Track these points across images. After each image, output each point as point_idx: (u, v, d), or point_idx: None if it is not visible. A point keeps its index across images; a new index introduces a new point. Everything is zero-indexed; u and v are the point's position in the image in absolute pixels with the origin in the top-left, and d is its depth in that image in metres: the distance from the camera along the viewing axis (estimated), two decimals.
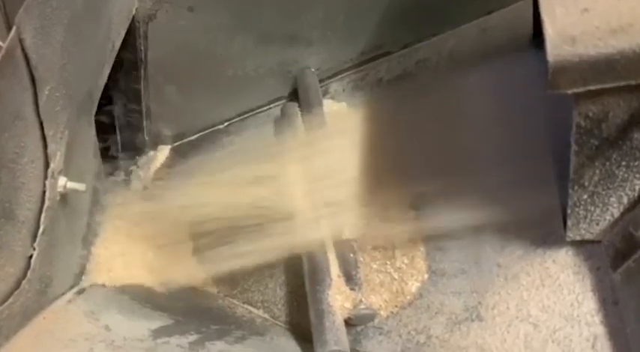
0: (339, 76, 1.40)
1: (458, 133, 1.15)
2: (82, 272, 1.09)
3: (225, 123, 1.40)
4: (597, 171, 0.85)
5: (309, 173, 1.19)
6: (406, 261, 1.08)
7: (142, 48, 1.18)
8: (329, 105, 1.35)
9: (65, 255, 1.03)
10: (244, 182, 1.21)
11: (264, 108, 1.40)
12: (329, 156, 1.20)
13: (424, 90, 1.25)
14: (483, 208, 1.02)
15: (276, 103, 1.40)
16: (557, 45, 0.73)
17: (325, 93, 1.38)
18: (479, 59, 1.24)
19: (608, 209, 0.89)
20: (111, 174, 1.28)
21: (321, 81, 1.38)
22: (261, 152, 1.25)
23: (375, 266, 1.10)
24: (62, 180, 0.95)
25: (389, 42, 1.36)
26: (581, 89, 0.75)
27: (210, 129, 1.40)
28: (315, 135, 1.26)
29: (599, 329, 0.89)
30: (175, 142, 1.40)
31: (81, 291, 1.06)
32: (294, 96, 1.38)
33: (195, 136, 1.40)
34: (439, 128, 1.17)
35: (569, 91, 0.76)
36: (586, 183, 0.87)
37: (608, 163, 0.84)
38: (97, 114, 1.13)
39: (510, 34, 1.25)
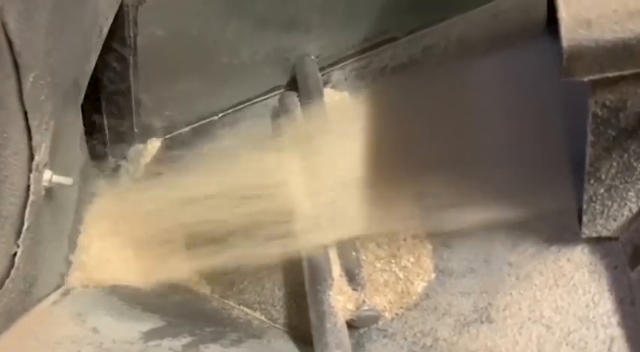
0: (341, 64, 1.40)
1: (467, 124, 1.16)
2: (67, 272, 1.10)
3: (220, 115, 1.40)
4: (615, 164, 0.86)
5: (308, 167, 1.20)
6: (412, 260, 1.09)
7: (131, 34, 1.18)
8: (330, 94, 1.35)
9: (50, 253, 1.03)
10: (240, 177, 1.21)
11: (261, 98, 1.41)
12: (330, 149, 1.21)
13: (431, 79, 1.26)
14: (494, 203, 1.02)
15: (274, 93, 1.40)
16: (573, 29, 0.74)
17: (326, 83, 1.38)
18: (489, 46, 1.25)
19: (626, 204, 0.90)
20: (98, 168, 1.28)
21: (321, 69, 1.38)
22: (257, 145, 1.25)
23: (378, 265, 1.10)
24: (47, 174, 0.96)
25: (394, 27, 1.37)
26: (597, 76, 0.76)
27: (203, 121, 1.40)
28: (315, 126, 1.26)
29: (616, 331, 0.89)
30: (166, 135, 1.40)
31: (67, 292, 1.06)
32: (293, 85, 1.38)
33: (188, 128, 1.40)
34: (447, 119, 1.18)
35: (585, 78, 0.76)
36: (603, 177, 0.87)
37: (626, 155, 0.84)
38: (83, 104, 1.13)
39: (523, 19, 1.26)
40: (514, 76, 1.17)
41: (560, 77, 0.76)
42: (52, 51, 0.92)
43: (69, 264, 1.10)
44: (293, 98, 1.34)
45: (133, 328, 1.01)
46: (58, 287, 1.06)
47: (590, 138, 0.84)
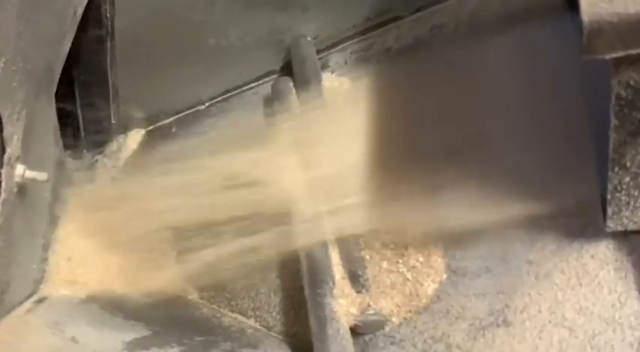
0: (341, 46, 1.42)
1: (479, 111, 1.18)
2: (41, 278, 1.12)
3: (207, 104, 1.43)
4: None
5: (306, 159, 1.22)
6: (421, 259, 1.11)
7: (108, 15, 1.20)
8: (328, 79, 1.37)
9: (23, 258, 1.06)
10: (230, 172, 1.23)
11: (253, 84, 1.42)
12: (329, 139, 1.23)
13: (440, 62, 1.27)
14: (510, 196, 1.05)
15: (267, 79, 1.42)
16: (593, 2, 0.76)
17: (324, 66, 1.40)
18: (504, 24, 1.25)
19: None
20: (73, 164, 1.30)
21: (318, 52, 1.39)
22: (249, 136, 1.27)
23: (384, 265, 1.13)
24: (20, 169, 0.98)
25: (399, 5, 1.38)
26: (620, 53, 0.77)
27: (189, 111, 1.43)
28: (312, 115, 1.28)
29: None
30: (149, 126, 1.42)
31: (42, 300, 1.09)
32: (288, 70, 1.40)
33: (172, 119, 1.43)
34: (457, 105, 1.20)
35: (607, 56, 0.78)
36: (628, 164, 0.89)
37: None
38: (55, 94, 1.15)
39: None
40: (531, 57, 1.19)
41: (581, 55, 0.78)
42: (24, 33, 0.94)
43: (43, 269, 1.12)
44: (288, 84, 1.36)
45: (116, 338, 1.03)
46: (32, 294, 1.08)
47: (613, 122, 0.86)
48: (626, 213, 0.95)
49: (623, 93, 0.83)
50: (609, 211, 0.96)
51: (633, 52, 0.78)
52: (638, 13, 0.75)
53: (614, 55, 0.78)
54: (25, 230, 1.05)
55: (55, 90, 1.14)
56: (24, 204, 1.03)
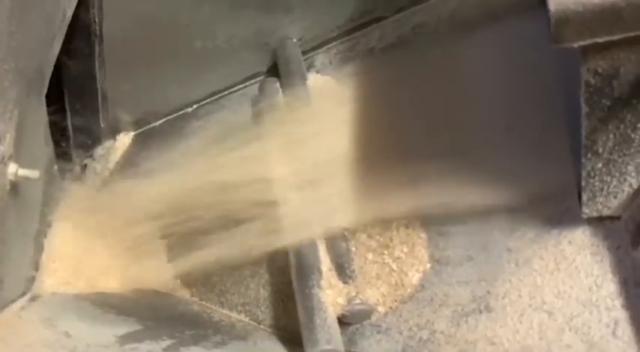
0: (325, 47, 1.45)
1: (461, 105, 1.22)
2: (34, 276, 1.15)
3: (195, 106, 1.46)
4: (611, 136, 0.91)
5: (293, 158, 1.25)
6: (405, 250, 1.15)
7: (96, 19, 1.23)
8: (314, 79, 1.40)
9: (16, 255, 1.09)
10: (218, 172, 1.27)
11: (240, 86, 1.46)
12: (315, 137, 1.26)
13: (422, 60, 1.31)
14: (490, 186, 1.08)
15: (253, 80, 1.45)
16: None
17: (310, 67, 1.44)
18: (484, 22, 1.30)
19: (625, 179, 0.96)
20: (62, 168, 1.32)
21: (304, 53, 1.43)
22: (237, 137, 1.30)
23: (370, 256, 1.16)
24: (13, 167, 1.01)
25: (381, 5, 1.42)
26: (587, 41, 0.81)
27: (177, 113, 1.46)
28: (298, 114, 1.31)
29: (620, 314, 0.96)
30: (137, 129, 1.45)
31: (35, 298, 1.12)
32: (274, 71, 1.43)
33: (160, 122, 1.46)
34: (439, 101, 1.23)
35: (575, 44, 0.82)
36: (600, 150, 0.93)
37: (622, 126, 0.90)
38: (45, 97, 1.18)
39: None
40: (510, 52, 1.23)
41: (549, 43, 0.83)
42: (16, 34, 0.97)
43: (35, 268, 1.16)
44: (274, 85, 1.39)
45: (108, 332, 1.07)
46: (25, 292, 1.11)
47: (584, 109, 0.90)
48: (600, 199, 0.99)
49: (592, 81, 0.87)
50: (584, 197, 0.99)
51: (599, 40, 0.82)
52: (601, 3, 0.79)
53: (581, 43, 0.82)
54: (18, 228, 1.08)
55: (45, 91, 1.18)
56: (16, 202, 1.06)
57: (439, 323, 1.06)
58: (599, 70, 0.86)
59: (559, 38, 0.82)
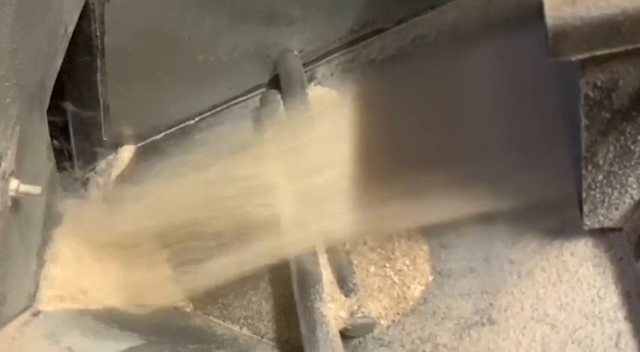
0: (326, 59, 1.46)
1: (461, 117, 1.22)
2: (36, 292, 1.16)
3: (196, 118, 1.47)
4: (611, 148, 0.92)
5: (294, 170, 1.26)
6: (407, 262, 1.16)
7: (98, 33, 1.24)
8: (315, 91, 1.41)
9: (19, 271, 1.09)
10: (220, 185, 1.27)
11: (241, 98, 1.47)
12: (316, 149, 1.27)
13: (422, 71, 1.32)
14: (492, 198, 1.09)
15: (255, 92, 1.46)
16: (556, 7, 0.80)
17: (311, 79, 1.44)
18: (483, 34, 1.31)
19: (626, 190, 0.96)
20: (64, 182, 1.34)
21: (305, 65, 1.44)
22: (238, 150, 1.30)
23: (372, 269, 1.17)
24: (14, 183, 1.01)
25: (382, 17, 1.43)
26: (585, 55, 0.82)
27: (178, 126, 1.47)
28: (299, 126, 1.32)
29: (623, 326, 0.97)
30: (139, 142, 1.46)
31: (37, 313, 1.13)
32: (275, 83, 1.44)
33: (162, 135, 1.47)
34: (440, 112, 1.24)
35: (573, 58, 0.83)
36: (600, 162, 0.94)
37: (622, 138, 0.91)
38: (47, 111, 1.18)
39: (518, 3, 1.31)
40: (510, 64, 1.24)
41: (547, 57, 0.83)
42: (17, 51, 0.98)
43: (38, 283, 1.16)
44: (275, 97, 1.40)
45: (111, 347, 1.07)
46: (27, 307, 1.12)
47: (584, 121, 0.90)
48: (602, 211, 1.00)
49: (591, 94, 0.88)
50: (585, 209, 1.00)
51: (598, 53, 0.82)
52: (599, 16, 0.80)
53: (579, 57, 0.83)
54: (20, 244, 1.09)
55: (47, 106, 1.18)
56: (19, 218, 1.06)
57: (442, 336, 1.07)
58: (599, 83, 0.87)
59: (557, 52, 0.82)
